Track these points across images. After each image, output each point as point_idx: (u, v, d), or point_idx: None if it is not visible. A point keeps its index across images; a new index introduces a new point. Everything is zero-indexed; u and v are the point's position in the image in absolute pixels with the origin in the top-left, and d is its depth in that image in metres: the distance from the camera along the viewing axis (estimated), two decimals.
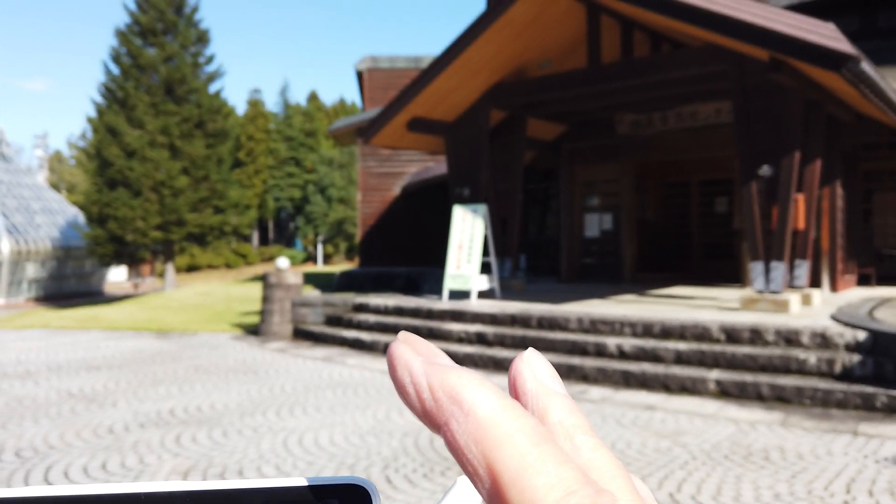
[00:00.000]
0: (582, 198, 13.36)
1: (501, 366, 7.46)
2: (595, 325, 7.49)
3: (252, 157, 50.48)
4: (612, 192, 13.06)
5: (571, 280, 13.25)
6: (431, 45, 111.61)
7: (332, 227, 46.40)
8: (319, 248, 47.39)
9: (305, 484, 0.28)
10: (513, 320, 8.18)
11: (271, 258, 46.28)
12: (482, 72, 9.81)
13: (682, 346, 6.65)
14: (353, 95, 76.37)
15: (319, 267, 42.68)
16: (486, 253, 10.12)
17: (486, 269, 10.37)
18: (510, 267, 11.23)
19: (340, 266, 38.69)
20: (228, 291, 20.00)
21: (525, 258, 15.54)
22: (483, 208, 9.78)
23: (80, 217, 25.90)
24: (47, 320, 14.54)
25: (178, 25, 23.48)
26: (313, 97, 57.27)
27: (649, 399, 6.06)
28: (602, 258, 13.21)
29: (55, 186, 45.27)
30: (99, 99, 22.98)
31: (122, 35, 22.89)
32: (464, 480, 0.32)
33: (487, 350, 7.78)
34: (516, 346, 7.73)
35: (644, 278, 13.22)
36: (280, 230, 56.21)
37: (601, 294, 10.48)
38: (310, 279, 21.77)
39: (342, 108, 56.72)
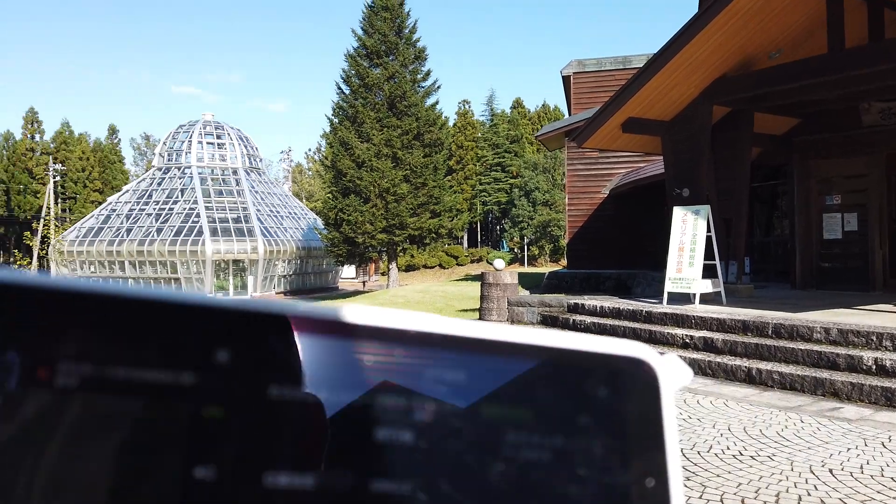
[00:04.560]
0: (819, 196, 12.10)
1: (733, 375, 7.11)
2: (846, 337, 6.81)
3: (462, 164, 52.86)
4: (856, 188, 11.66)
5: (806, 286, 12.07)
6: (638, 45, 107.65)
7: (537, 229, 46.88)
8: (525, 249, 48.16)
9: (591, 349, 0.28)
10: (744, 327, 7.73)
11: (480, 259, 48.06)
12: (702, 67, 9.38)
13: None
14: (555, 100, 76.50)
15: (526, 268, 43.37)
16: (708, 256, 9.65)
17: (708, 272, 9.89)
18: (735, 271, 10.57)
19: (545, 268, 38.97)
20: (445, 289, 21.23)
21: (749, 262, 14.45)
22: (706, 209, 9.35)
23: (319, 221, 29.24)
24: None
25: (399, 46, 25.48)
26: (518, 104, 58.36)
27: None
28: (844, 262, 11.85)
29: (297, 195, 51.44)
30: (332, 116, 25.78)
31: (351, 58, 25.44)
32: (672, 357, 0.31)
33: (716, 357, 7.45)
34: (749, 355, 7.30)
35: None
36: (487, 233, 58.10)
37: (846, 302, 9.43)
38: (518, 279, 22.29)
39: (545, 113, 57.06)
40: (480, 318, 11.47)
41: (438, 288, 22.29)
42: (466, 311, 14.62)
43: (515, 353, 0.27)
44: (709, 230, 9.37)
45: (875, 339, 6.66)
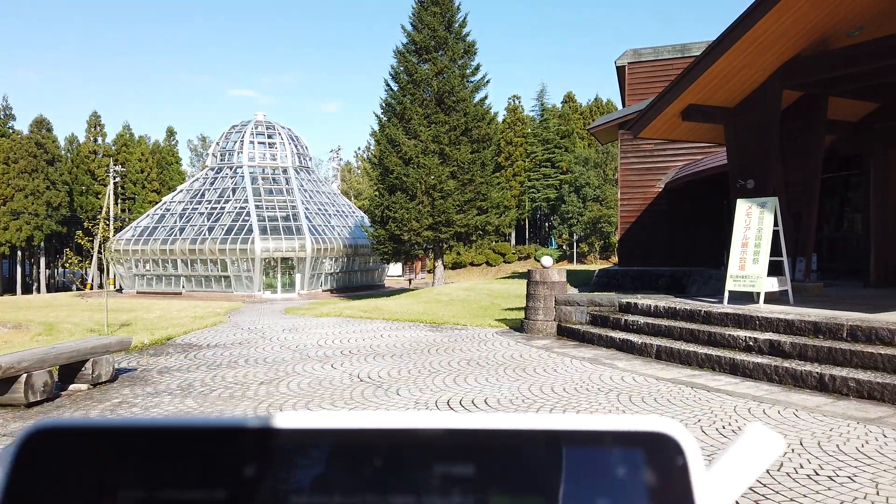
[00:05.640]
0: None
1: (803, 381, 6.44)
2: None
3: (510, 160, 52.21)
4: None
5: (884, 284, 11.13)
6: (695, 32, 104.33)
7: (587, 225, 45.89)
8: (574, 246, 47.19)
9: (605, 428, 0.27)
10: (815, 329, 7.04)
11: (528, 256, 47.35)
12: (773, 47, 8.65)
13: None
14: (608, 93, 74.81)
15: (574, 265, 42.46)
16: (773, 252, 8.91)
17: (773, 270, 9.15)
18: (803, 268, 9.79)
19: (595, 265, 38.04)
20: (490, 287, 20.78)
21: (815, 259, 13.52)
22: (773, 202, 8.63)
23: (366, 219, 29.20)
24: (340, 310, 16.50)
25: (448, 41, 25.11)
26: (569, 98, 57.29)
27: None
28: None
29: (346, 193, 51.83)
30: (380, 113, 25.61)
31: (400, 54, 25.20)
32: (755, 427, 0.30)
33: (784, 362, 6.78)
34: (821, 360, 6.62)
35: None
36: (535, 229, 57.26)
37: None
38: (566, 277, 21.65)
39: (597, 106, 55.82)
40: (526, 318, 10.99)
41: (484, 286, 21.84)
42: (512, 309, 14.14)
43: (533, 443, 0.26)
44: (775, 224, 8.65)
45: None
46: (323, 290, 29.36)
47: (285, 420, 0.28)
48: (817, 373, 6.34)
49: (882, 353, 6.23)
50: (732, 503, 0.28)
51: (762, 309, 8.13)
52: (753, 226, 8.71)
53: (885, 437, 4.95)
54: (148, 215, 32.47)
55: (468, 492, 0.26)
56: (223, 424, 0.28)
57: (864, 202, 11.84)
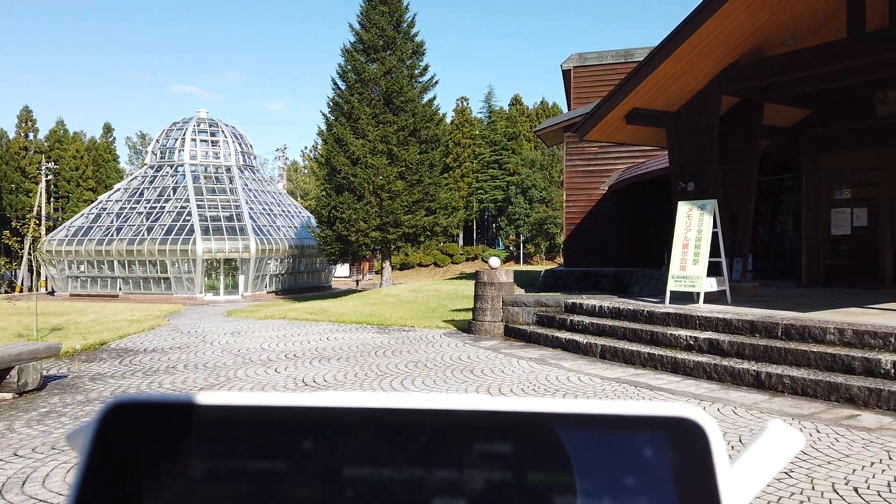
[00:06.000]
0: (829, 190, 11.64)
1: (740, 379, 6.63)
2: (861, 338, 6.34)
3: (458, 161, 52.39)
4: (868, 182, 11.21)
5: (814, 284, 11.61)
6: (639, 41, 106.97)
7: (534, 226, 46.45)
8: (521, 247, 47.71)
9: (634, 413, 0.29)
10: (752, 328, 7.26)
11: (475, 257, 47.60)
12: (713, 54, 8.90)
13: None
14: (553, 96, 76.00)
15: (521, 266, 42.92)
16: (712, 253, 9.17)
17: (711, 270, 9.41)
18: (740, 269, 10.11)
19: (541, 265, 38.51)
20: (438, 288, 20.75)
21: (751, 259, 14.01)
22: (712, 204, 8.88)
23: (312, 220, 28.74)
24: (285, 312, 16.18)
25: (397, 40, 24.97)
26: (516, 101, 57.90)
27: None
28: (854, 260, 11.39)
29: (291, 193, 50.93)
30: (328, 112, 25.26)
31: (348, 53, 24.92)
32: (775, 424, 0.31)
33: (723, 361, 6.97)
34: (758, 357, 6.83)
35: None
36: (483, 230, 57.63)
37: (857, 301, 8.97)
38: (513, 277, 21.84)
39: (543, 110, 56.59)
40: (474, 319, 10.99)
41: (432, 287, 21.81)
42: (460, 310, 14.14)
43: (566, 424, 0.29)
44: (715, 226, 8.90)
45: (893, 340, 6.21)
46: (267, 292, 28.75)
47: (339, 399, 0.30)
48: (754, 370, 6.53)
49: (814, 350, 6.46)
50: (753, 497, 0.30)
51: (702, 309, 8.35)
52: (694, 227, 8.93)
53: (819, 432, 5.12)
54: (83, 214, 31.15)
55: (506, 468, 0.28)
56: (282, 401, 0.30)
57: (795, 205, 12.32)
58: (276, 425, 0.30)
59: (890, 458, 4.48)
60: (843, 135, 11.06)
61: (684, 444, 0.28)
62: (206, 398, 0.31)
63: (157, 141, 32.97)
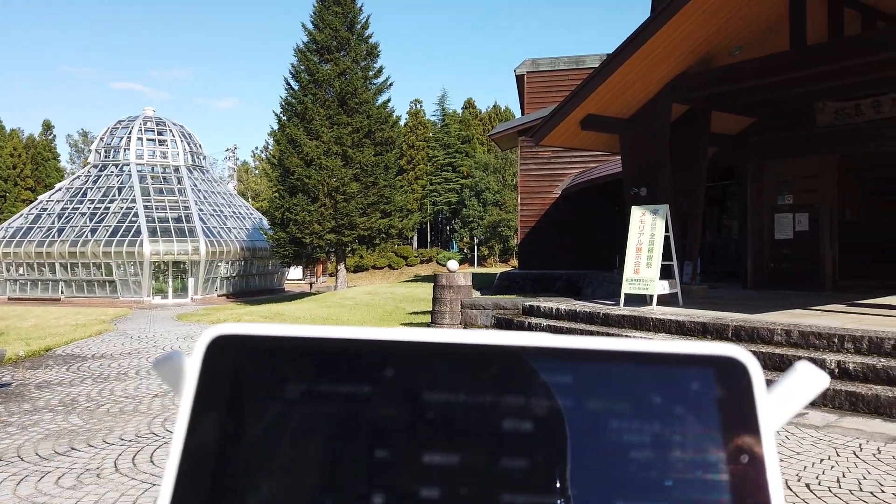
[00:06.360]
0: (772, 196, 12.11)
1: None
2: (806, 339, 6.63)
3: (413, 164, 52.35)
4: (808, 188, 11.71)
5: (758, 287, 12.06)
6: (591, 47, 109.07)
7: (487, 229, 46.79)
8: (475, 250, 48.00)
9: (680, 351, 0.32)
10: (704, 329, 7.50)
11: (430, 260, 47.63)
12: (664, 62, 9.17)
13: None
14: (506, 101, 76.77)
15: (475, 268, 43.16)
16: (664, 256, 9.44)
17: (663, 273, 9.69)
18: (690, 272, 10.43)
19: (495, 268, 38.82)
20: (394, 291, 20.70)
21: (699, 262, 14.47)
22: (664, 209, 9.14)
23: (265, 221, 28.25)
24: (238, 315, 15.86)
25: (351, 41, 24.81)
26: (469, 104, 58.21)
27: (886, 428, 5.20)
28: (796, 263, 11.88)
29: (242, 194, 49.94)
30: (281, 113, 24.90)
31: (301, 53, 24.63)
32: (803, 364, 0.36)
33: None
34: None
35: (848, 286, 11.69)
36: (437, 233, 57.73)
37: (801, 303, 9.37)
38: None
39: (496, 113, 57.08)
40: (432, 322, 11.01)
41: (387, 290, 21.74)
42: (417, 313, 14.14)
43: (627, 360, 0.33)
44: (667, 230, 9.16)
45: (836, 340, 6.51)
46: (218, 295, 28.11)
47: (417, 335, 0.34)
48: None
49: (763, 351, 6.72)
50: (784, 423, 0.35)
51: (655, 311, 8.58)
52: (647, 231, 9.17)
53: None
54: (21, 215, 29.86)
55: (568, 395, 0.32)
56: (365, 335, 0.34)
57: (741, 210, 12.78)
58: (363, 356, 0.33)
59: (838, 455, 4.70)
60: (786, 143, 11.54)
61: (729, 378, 0.32)
62: (298, 330, 0.34)
63: (102, 139, 31.87)
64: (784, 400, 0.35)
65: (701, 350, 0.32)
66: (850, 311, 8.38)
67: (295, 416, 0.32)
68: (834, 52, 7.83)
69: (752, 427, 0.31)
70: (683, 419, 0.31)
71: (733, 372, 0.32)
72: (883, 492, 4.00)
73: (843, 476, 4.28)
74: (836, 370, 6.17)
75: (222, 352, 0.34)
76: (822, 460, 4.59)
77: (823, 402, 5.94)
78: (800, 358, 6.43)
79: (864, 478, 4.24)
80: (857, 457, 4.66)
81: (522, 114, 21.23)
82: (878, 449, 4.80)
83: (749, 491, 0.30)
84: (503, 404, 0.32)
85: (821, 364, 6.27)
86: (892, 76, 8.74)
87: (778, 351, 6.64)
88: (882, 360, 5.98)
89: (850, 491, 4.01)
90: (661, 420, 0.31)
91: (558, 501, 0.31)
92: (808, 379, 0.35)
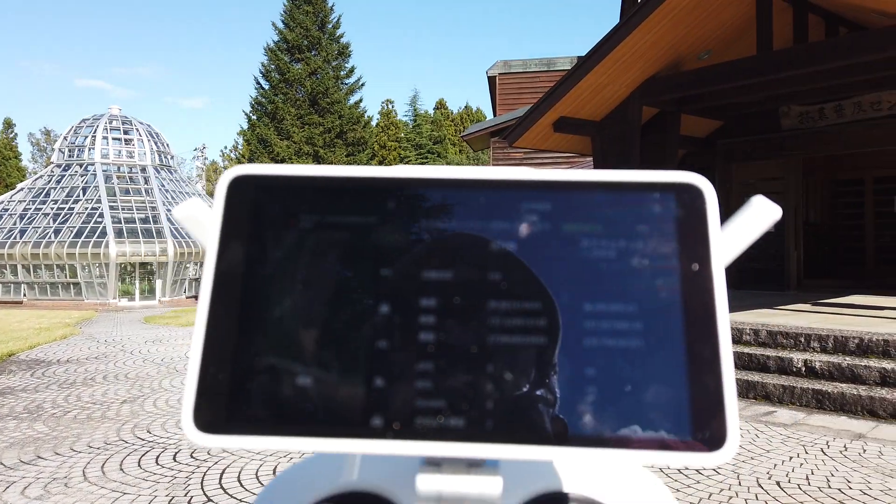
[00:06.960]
0: (739, 198, 12.35)
1: None
2: (774, 338, 6.77)
3: (384, 164, 52.20)
4: (774, 191, 11.96)
5: (727, 287, 12.28)
6: (562, 49, 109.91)
7: None
8: None
9: (644, 179, 0.36)
10: None
11: None
12: (635, 66, 9.29)
13: (887, 364, 5.82)
14: (478, 102, 77.03)
15: None
16: None
17: None
18: None
19: None
20: None
21: None
22: None
23: None
24: None
25: (322, 41, 24.63)
26: (441, 105, 58.25)
27: (852, 425, 5.34)
28: (763, 264, 12.14)
29: (211, 195, 49.19)
30: (250, 112, 24.61)
31: (271, 52, 24.37)
32: (758, 198, 0.39)
33: None
34: None
35: (812, 286, 12.00)
36: None
37: (767, 302, 9.57)
38: None
39: (468, 114, 57.23)
40: None
41: None
42: None
43: (600, 188, 0.37)
44: None
45: (803, 340, 6.66)
46: (187, 297, 27.65)
47: (415, 171, 0.37)
48: None
49: (733, 350, 6.84)
50: (737, 253, 0.38)
51: None
52: None
53: (741, 429, 5.43)
54: None
55: (547, 220, 0.36)
56: (368, 173, 0.37)
57: None
58: (367, 189, 0.37)
59: (806, 453, 4.81)
60: (752, 145, 11.79)
61: (686, 202, 0.35)
62: (309, 170, 0.37)
63: (65, 138, 31.11)
64: (739, 230, 0.38)
65: (664, 178, 0.36)
66: (816, 311, 8.59)
67: (310, 242, 0.36)
68: (799, 58, 8.02)
69: (703, 238, 0.35)
70: (647, 236, 0.35)
71: (690, 194, 0.35)
72: (850, 488, 4.11)
73: (812, 473, 4.38)
74: (804, 369, 6.32)
75: (242, 188, 0.37)
76: (791, 458, 4.69)
77: (791, 400, 6.08)
78: (768, 357, 6.58)
79: (832, 475, 4.34)
80: (825, 454, 4.77)
81: (494, 115, 21.31)
82: (844, 446, 4.92)
83: (697, 290, 0.34)
84: (490, 228, 0.36)
85: (788, 363, 6.42)
86: (854, 81, 8.99)
87: (747, 350, 6.78)
88: (847, 358, 6.13)
89: (818, 488, 4.11)
90: (626, 237, 0.35)
91: (538, 304, 0.35)
92: (761, 211, 0.38)
